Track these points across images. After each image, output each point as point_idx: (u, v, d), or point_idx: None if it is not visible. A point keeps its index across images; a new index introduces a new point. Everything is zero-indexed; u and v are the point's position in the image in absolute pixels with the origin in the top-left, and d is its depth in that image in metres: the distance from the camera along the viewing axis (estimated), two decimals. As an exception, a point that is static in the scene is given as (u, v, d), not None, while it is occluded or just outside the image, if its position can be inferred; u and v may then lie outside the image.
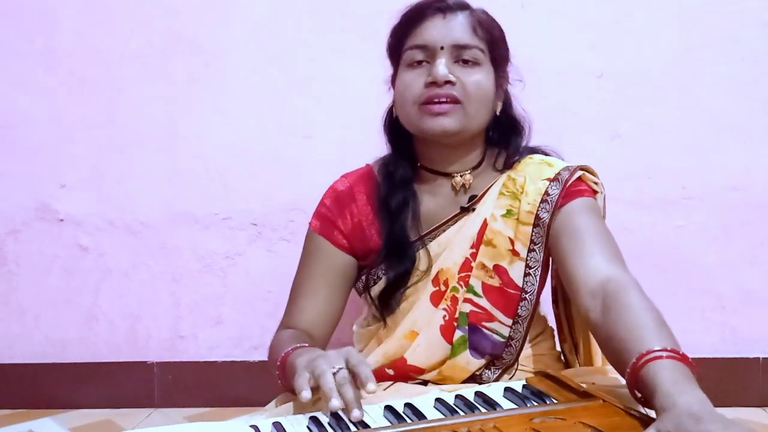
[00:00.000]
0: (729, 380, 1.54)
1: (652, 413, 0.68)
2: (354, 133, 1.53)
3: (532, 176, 0.99)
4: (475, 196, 1.01)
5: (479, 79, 0.96)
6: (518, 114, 1.06)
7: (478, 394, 0.81)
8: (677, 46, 1.51)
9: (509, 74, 1.05)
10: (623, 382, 0.74)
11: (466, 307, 0.99)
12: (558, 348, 1.12)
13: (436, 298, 1.00)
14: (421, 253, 1.00)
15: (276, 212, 1.57)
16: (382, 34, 1.56)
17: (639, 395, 0.71)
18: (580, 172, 0.99)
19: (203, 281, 1.59)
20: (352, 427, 0.74)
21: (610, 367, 0.92)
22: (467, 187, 1.01)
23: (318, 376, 0.75)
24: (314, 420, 0.76)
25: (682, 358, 0.69)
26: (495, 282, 0.99)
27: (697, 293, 1.55)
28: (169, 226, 1.58)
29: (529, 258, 0.98)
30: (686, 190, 1.53)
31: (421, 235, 1.01)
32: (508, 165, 1.03)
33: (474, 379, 1.02)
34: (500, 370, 1.03)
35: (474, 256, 0.99)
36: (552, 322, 1.14)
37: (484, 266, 0.99)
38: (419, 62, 0.97)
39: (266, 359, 1.56)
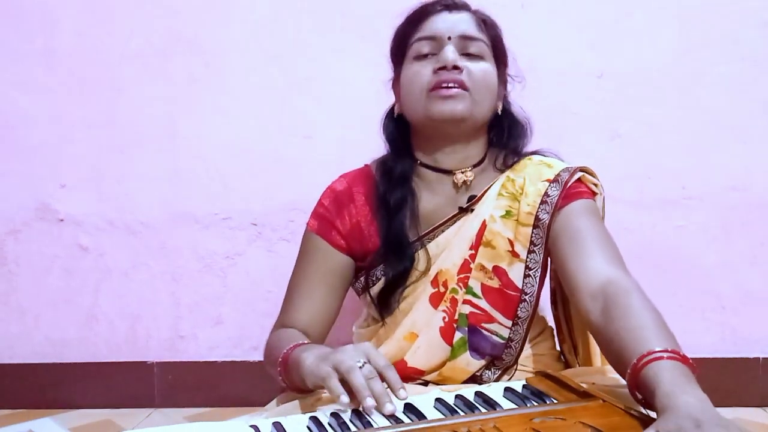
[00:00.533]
0: (729, 380, 1.54)
1: (653, 414, 0.68)
2: (354, 133, 1.53)
3: (532, 177, 0.99)
4: (474, 196, 1.01)
5: (485, 68, 0.98)
6: (519, 115, 1.07)
7: (478, 394, 0.81)
8: (677, 46, 1.51)
9: (507, 77, 1.06)
10: (623, 382, 0.74)
11: (466, 309, 0.99)
12: (557, 348, 1.12)
13: (435, 300, 1.00)
14: (420, 253, 1.00)
15: (276, 212, 1.57)
16: (382, 34, 1.56)
17: (639, 396, 0.71)
18: (579, 174, 0.99)
19: (203, 281, 1.59)
20: (352, 427, 0.74)
21: (609, 367, 0.92)
22: (468, 184, 1.01)
23: (346, 372, 0.75)
24: (314, 420, 0.76)
25: (683, 359, 0.69)
26: (494, 283, 0.99)
27: (697, 293, 1.55)
28: (169, 226, 1.58)
29: (528, 259, 0.98)
30: (686, 190, 1.53)
31: (420, 236, 1.01)
32: (508, 164, 1.03)
33: (474, 379, 1.02)
34: (500, 371, 1.03)
35: (473, 257, 0.98)
36: (551, 322, 1.14)
37: (483, 267, 0.98)
38: (426, 55, 0.98)
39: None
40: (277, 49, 1.54)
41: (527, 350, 1.05)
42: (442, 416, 0.76)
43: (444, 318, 0.99)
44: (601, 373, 0.98)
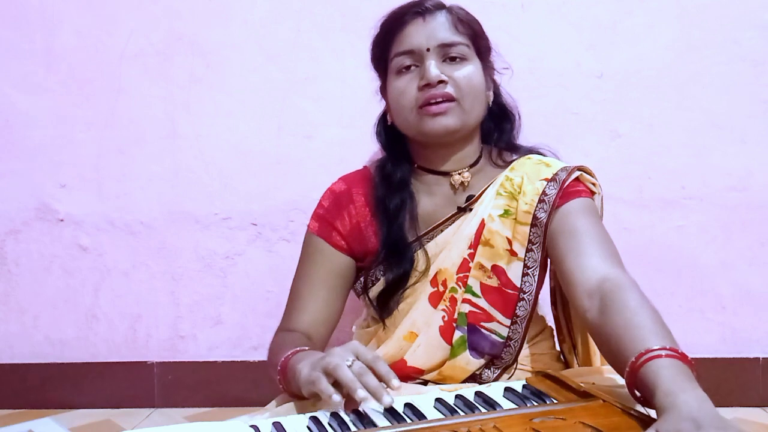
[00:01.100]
0: (729, 380, 1.54)
1: (653, 413, 0.68)
2: (354, 133, 1.53)
3: (530, 176, 0.99)
4: (473, 195, 1.01)
5: (469, 74, 0.97)
6: (507, 102, 1.07)
7: (478, 394, 0.81)
8: (677, 46, 1.51)
9: (494, 63, 1.06)
10: (623, 381, 0.74)
11: (465, 308, 0.99)
12: (557, 348, 1.12)
13: (434, 299, 1.00)
14: (419, 253, 1.00)
15: (276, 212, 1.57)
16: (382, 34, 1.55)
17: (638, 395, 0.71)
18: (577, 173, 0.99)
19: (203, 281, 1.59)
20: (353, 427, 0.74)
21: (609, 367, 0.92)
22: (466, 185, 1.02)
23: (333, 370, 0.74)
24: (314, 420, 0.76)
25: (681, 356, 0.69)
26: (493, 282, 0.99)
27: (697, 293, 1.55)
28: (169, 226, 1.58)
29: (527, 258, 0.98)
30: (686, 190, 1.53)
31: (418, 236, 1.01)
32: (506, 160, 1.03)
33: (474, 378, 1.02)
34: (500, 370, 1.03)
35: (472, 256, 0.99)
36: (551, 322, 1.14)
37: (482, 266, 0.99)
38: (408, 67, 0.98)
39: (265, 359, 1.58)
40: (277, 49, 1.54)
41: (526, 349, 1.05)
42: (442, 416, 0.76)
43: (443, 317, 0.99)
44: (600, 373, 0.98)
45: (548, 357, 1.08)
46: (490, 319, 0.99)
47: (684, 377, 0.66)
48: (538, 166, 1.00)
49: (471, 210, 1.00)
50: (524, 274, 0.98)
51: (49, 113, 1.57)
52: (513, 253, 0.98)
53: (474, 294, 0.99)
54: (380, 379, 0.74)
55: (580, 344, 1.09)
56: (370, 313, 1.08)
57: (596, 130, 1.53)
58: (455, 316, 0.99)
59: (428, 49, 0.96)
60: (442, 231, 1.01)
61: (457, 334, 1.00)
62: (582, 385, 0.79)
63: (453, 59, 0.97)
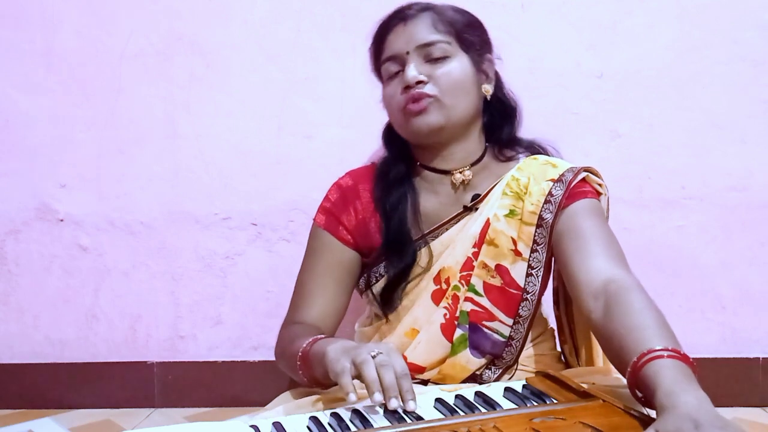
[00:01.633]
0: (729, 380, 1.54)
1: (653, 413, 0.68)
2: (354, 133, 1.53)
3: (536, 177, 0.99)
4: (479, 195, 1.01)
5: (449, 70, 0.98)
6: (508, 96, 1.07)
7: (478, 394, 0.81)
8: (677, 46, 1.51)
9: (493, 57, 1.05)
10: (624, 382, 0.74)
11: (467, 306, 1.00)
12: (558, 349, 1.12)
13: (437, 297, 1.00)
14: (423, 251, 1.01)
15: (276, 212, 1.57)
16: (382, 34, 1.54)
17: (640, 395, 0.71)
18: (584, 174, 1.00)
19: (203, 281, 1.59)
20: (352, 427, 0.74)
21: (610, 368, 0.92)
22: (467, 183, 1.02)
23: (359, 364, 0.76)
24: (314, 420, 0.76)
25: (683, 357, 0.70)
26: (496, 282, 0.99)
27: (697, 293, 1.55)
28: (169, 226, 1.58)
29: (531, 258, 0.98)
30: (686, 190, 1.53)
31: (423, 234, 1.02)
32: (506, 155, 1.03)
33: (474, 378, 1.02)
34: (501, 370, 1.03)
35: (476, 255, 0.99)
36: (553, 323, 1.14)
37: (485, 265, 0.99)
38: (396, 73, 1.00)
39: (265, 359, 1.59)
40: (277, 49, 1.54)
41: (528, 350, 1.05)
42: (442, 416, 0.76)
43: (445, 315, 0.99)
44: (601, 373, 0.98)
45: (549, 358, 1.08)
46: (492, 318, 1.00)
47: (685, 378, 0.66)
48: (544, 167, 1.01)
49: (477, 209, 1.01)
50: (528, 275, 0.99)
51: (49, 113, 1.57)
52: (517, 253, 0.98)
53: (477, 293, 0.99)
54: (401, 394, 0.75)
55: (583, 346, 1.09)
56: (372, 310, 1.08)
57: (596, 130, 1.53)
58: (457, 314, 1.00)
59: (408, 53, 0.98)
60: (447, 229, 1.01)
61: (458, 332, 1.00)
62: (582, 385, 0.79)
63: (436, 59, 0.98)
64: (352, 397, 0.74)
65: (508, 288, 0.99)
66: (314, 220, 1.08)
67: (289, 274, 1.57)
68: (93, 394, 1.60)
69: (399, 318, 1.03)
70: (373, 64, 1.06)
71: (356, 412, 0.76)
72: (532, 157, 1.04)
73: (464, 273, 0.99)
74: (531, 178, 0.99)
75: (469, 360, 1.01)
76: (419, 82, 0.96)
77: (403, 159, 1.06)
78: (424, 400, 0.80)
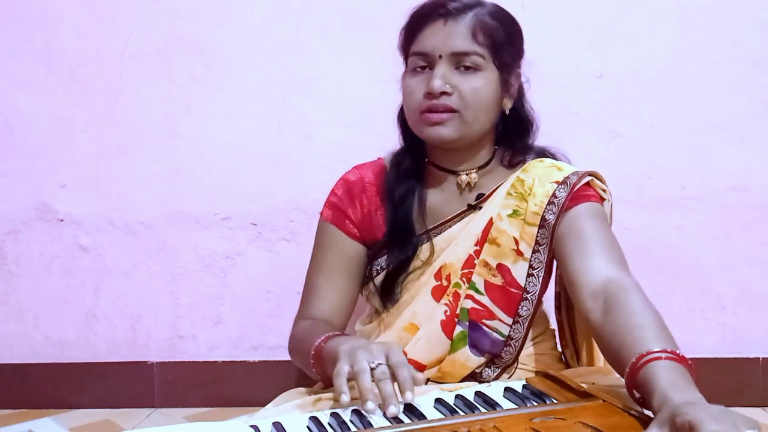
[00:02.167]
0: (729, 380, 1.54)
1: (652, 414, 0.68)
2: (354, 133, 1.53)
3: (541, 178, 1.00)
4: (483, 194, 1.02)
5: (477, 86, 0.96)
6: (527, 112, 1.07)
7: (478, 394, 0.81)
8: (677, 46, 1.51)
9: (521, 70, 1.05)
10: (623, 382, 0.74)
11: (468, 304, 1.00)
12: (558, 348, 1.13)
13: (437, 293, 1.01)
14: (426, 245, 1.02)
15: (276, 212, 1.57)
16: (382, 34, 1.55)
17: (637, 396, 0.72)
18: (588, 178, 1.00)
19: (203, 281, 1.59)
20: (352, 427, 0.74)
21: (609, 368, 0.92)
22: (472, 185, 1.02)
23: (356, 372, 0.76)
24: (314, 420, 0.76)
25: (681, 359, 0.70)
26: (497, 281, 0.99)
27: (697, 293, 1.55)
28: (169, 226, 1.58)
29: (533, 258, 0.99)
30: (686, 190, 1.53)
31: (427, 229, 1.02)
32: (515, 163, 1.03)
33: (474, 377, 1.03)
34: (500, 369, 1.03)
35: (478, 253, 0.99)
36: (553, 323, 1.14)
37: (487, 264, 0.99)
38: (422, 68, 0.98)
39: (265, 359, 1.59)
40: (277, 49, 1.54)
41: (528, 349, 1.05)
42: (442, 416, 0.76)
43: (446, 312, 1.00)
44: (601, 373, 0.98)
45: (549, 357, 1.08)
46: (492, 317, 1.00)
47: (682, 380, 0.67)
48: (549, 169, 1.01)
49: (480, 208, 1.01)
50: (529, 275, 0.99)
51: (49, 113, 1.57)
52: (519, 253, 0.99)
53: (477, 291, 1.00)
54: (398, 383, 0.76)
55: (585, 349, 1.09)
56: (373, 305, 1.08)
57: (596, 130, 1.53)
58: (457, 311, 1.00)
59: (440, 56, 0.96)
60: (450, 226, 1.02)
61: (458, 329, 1.00)
62: (582, 385, 0.79)
63: (466, 68, 0.96)
64: (345, 398, 0.75)
65: (508, 287, 0.99)
66: (321, 214, 1.08)
67: (289, 274, 1.58)
68: (93, 394, 1.60)
69: (399, 312, 1.03)
70: (402, 45, 1.03)
71: (356, 412, 0.76)
72: (538, 159, 1.04)
73: (465, 270, 1.00)
74: (536, 179, 1.00)
75: (468, 357, 1.01)
76: (444, 93, 0.95)
77: (415, 152, 1.06)
78: (424, 400, 0.80)
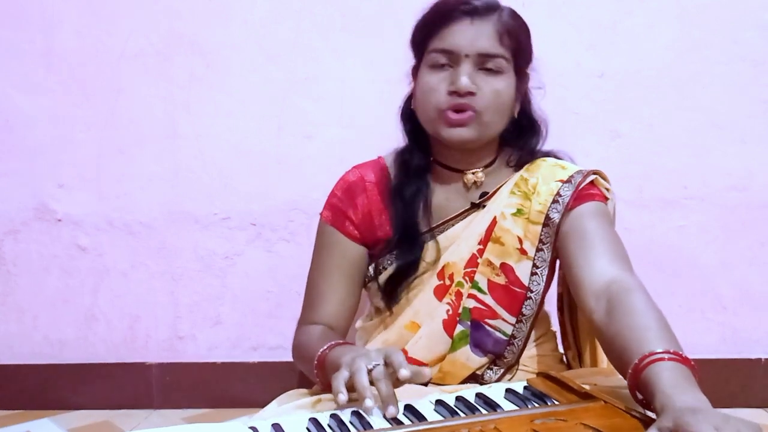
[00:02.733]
0: (730, 381, 1.54)
1: (654, 415, 0.67)
2: (354, 133, 1.53)
3: (545, 177, 1.00)
4: (487, 193, 1.02)
5: (499, 88, 0.96)
6: (537, 115, 1.06)
7: (478, 395, 0.81)
8: (677, 46, 1.51)
9: (530, 75, 1.04)
10: (625, 383, 0.74)
11: (470, 303, 1.00)
12: (560, 350, 1.12)
13: (440, 292, 1.00)
14: (430, 245, 1.01)
15: (276, 212, 1.57)
16: (382, 34, 1.55)
17: (640, 397, 0.71)
18: (593, 177, 1.00)
19: (202, 281, 1.59)
20: (352, 429, 0.73)
21: (611, 369, 0.92)
22: (478, 184, 1.02)
23: (354, 372, 0.77)
24: (314, 421, 0.76)
25: (684, 360, 0.70)
26: (501, 280, 0.99)
27: (698, 293, 1.55)
28: (169, 226, 1.58)
29: (536, 257, 0.99)
30: (687, 190, 1.53)
31: (431, 227, 1.02)
32: (520, 164, 1.03)
33: (475, 378, 1.02)
34: (502, 370, 1.03)
35: (481, 252, 0.99)
36: (555, 323, 1.14)
37: (490, 263, 0.99)
38: (442, 65, 0.96)
39: (265, 360, 1.59)
40: (277, 49, 1.54)
41: (530, 350, 1.05)
42: (442, 418, 0.75)
43: (447, 311, 1.00)
44: (602, 374, 0.98)
45: (551, 359, 1.08)
46: (495, 316, 1.00)
47: (685, 381, 0.66)
48: (553, 168, 1.01)
49: (484, 207, 1.01)
50: (533, 273, 0.99)
51: (49, 113, 1.57)
52: (523, 252, 0.99)
53: (480, 290, 1.00)
54: (393, 366, 0.77)
55: (587, 351, 1.09)
56: (374, 303, 1.08)
57: (596, 130, 1.53)
58: (459, 310, 1.00)
59: (467, 55, 0.94)
60: (453, 225, 1.02)
61: (459, 328, 1.00)
62: (584, 386, 0.79)
63: (488, 70, 0.95)
64: (342, 397, 0.75)
65: (512, 286, 0.99)
66: (321, 215, 1.08)
67: (288, 275, 1.58)
68: (92, 394, 1.59)
69: (401, 310, 1.03)
70: (418, 39, 1.01)
71: (356, 414, 0.76)
72: (541, 159, 1.04)
73: (468, 269, 0.99)
74: (540, 178, 1.00)
75: (469, 357, 1.01)
76: (469, 93, 0.94)
77: (420, 150, 1.05)
78: (424, 402, 0.80)
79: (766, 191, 1.53)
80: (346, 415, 0.76)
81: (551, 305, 1.12)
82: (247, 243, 1.58)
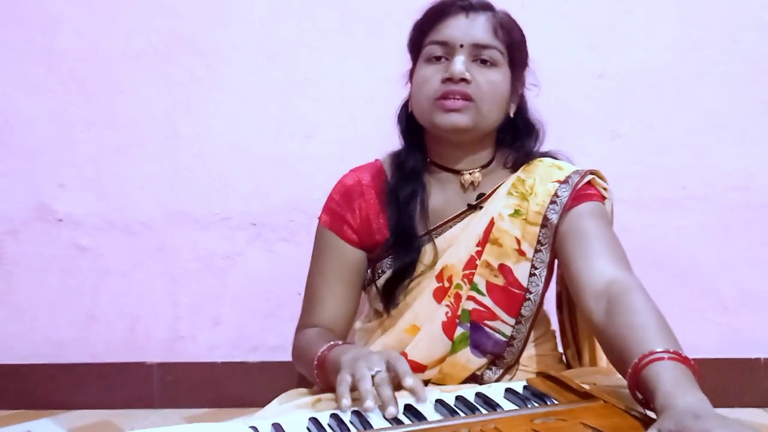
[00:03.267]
0: (730, 381, 1.53)
1: (653, 415, 0.67)
2: (354, 133, 1.53)
3: (542, 178, 1.00)
4: (484, 194, 1.01)
5: (495, 79, 0.97)
6: (534, 118, 1.07)
7: (478, 395, 0.81)
8: (677, 46, 1.51)
9: (526, 78, 1.05)
10: (625, 382, 0.74)
11: (469, 305, 1.00)
12: (560, 349, 1.12)
13: (439, 294, 1.00)
14: (428, 247, 1.01)
15: (275, 212, 1.57)
16: (382, 34, 1.56)
17: (640, 396, 0.71)
18: (590, 177, 1.00)
19: (202, 281, 1.59)
20: (352, 428, 0.73)
21: (611, 368, 0.92)
22: (476, 185, 1.02)
23: (358, 380, 0.77)
24: (314, 421, 0.76)
25: (684, 360, 0.70)
26: (499, 281, 0.99)
27: (698, 293, 1.55)
28: (169, 226, 1.58)
29: (535, 258, 0.98)
30: (687, 190, 1.53)
31: (428, 230, 1.02)
32: (518, 166, 1.03)
33: (475, 378, 1.02)
34: (502, 371, 1.03)
35: (479, 254, 0.99)
36: (554, 324, 1.14)
37: (489, 265, 0.99)
38: (438, 58, 0.97)
39: (265, 360, 1.59)
40: (277, 49, 1.54)
41: (530, 350, 1.05)
42: (442, 417, 0.75)
43: (447, 313, 0.99)
44: (602, 373, 0.98)
45: (550, 358, 1.08)
46: (494, 317, 1.00)
47: (685, 380, 0.66)
48: (550, 169, 1.01)
49: (481, 208, 1.01)
50: (531, 275, 0.99)
51: (49, 113, 1.57)
52: (521, 253, 0.99)
53: (479, 292, 0.99)
54: (398, 374, 0.78)
55: (587, 350, 1.09)
56: (373, 306, 1.08)
57: (596, 130, 1.53)
58: (458, 312, 1.00)
59: (461, 46, 0.96)
60: (450, 227, 1.01)
61: (459, 331, 1.00)
62: (583, 386, 0.79)
63: (483, 62, 0.96)
64: (345, 402, 0.75)
65: (511, 288, 0.99)
66: (319, 219, 1.07)
67: (288, 275, 1.58)
68: (92, 394, 1.59)
69: (400, 314, 1.03)
70: (415, 39, 1.02)
71: (356, 413, 0.76)
72: (539, 159, 1.04)
73: (467, 271, 0.99)
74: (537, 179, 1.00)
75: (469, 359, 1.01)
76: (463, 80, 0.95)
77: (417, 152, 1.05)
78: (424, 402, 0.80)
79: (766, 191, 1.53)
80: (346, 415, 0.76)
81: (550, 305, 1.12)
82: (247, 243, 1.58)
